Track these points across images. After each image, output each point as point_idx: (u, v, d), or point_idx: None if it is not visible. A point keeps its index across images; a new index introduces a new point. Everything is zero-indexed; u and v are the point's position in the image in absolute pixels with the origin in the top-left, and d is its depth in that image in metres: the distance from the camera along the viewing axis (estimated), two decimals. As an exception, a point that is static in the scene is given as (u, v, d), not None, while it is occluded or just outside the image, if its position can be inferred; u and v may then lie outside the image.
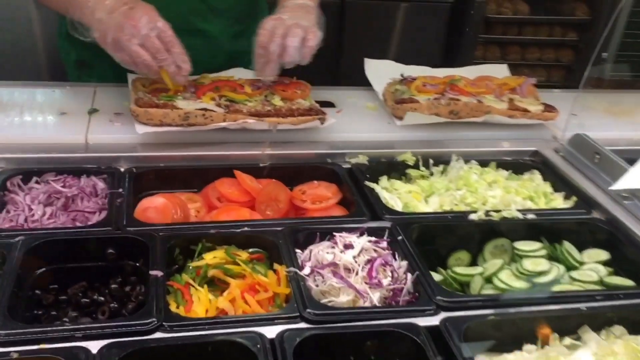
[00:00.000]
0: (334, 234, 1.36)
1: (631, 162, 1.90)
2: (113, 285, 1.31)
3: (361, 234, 1.39)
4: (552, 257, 1.53)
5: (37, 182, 1.53)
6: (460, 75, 2.06)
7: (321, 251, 1.31)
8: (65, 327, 1.08)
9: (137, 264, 1.33)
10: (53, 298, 1.29)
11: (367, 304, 1.24)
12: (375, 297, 1.24)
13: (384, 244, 1.39)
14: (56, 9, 1.81)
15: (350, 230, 1.41)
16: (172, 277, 1.30)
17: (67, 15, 1.72)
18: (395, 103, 1.92)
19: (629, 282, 1.47)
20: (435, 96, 1.93)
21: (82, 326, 1.09)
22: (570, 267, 1.51)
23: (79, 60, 2.04)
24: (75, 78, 2.06)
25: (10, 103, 1.79)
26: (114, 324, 1.10)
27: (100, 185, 1.54)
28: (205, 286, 1.26)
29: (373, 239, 1.38)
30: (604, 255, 1.55)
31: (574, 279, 1.47)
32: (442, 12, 4.06)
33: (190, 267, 1.32)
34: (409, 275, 1.30)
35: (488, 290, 1.42)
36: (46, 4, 1.82)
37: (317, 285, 1.26)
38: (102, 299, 1.30)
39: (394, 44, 4.12)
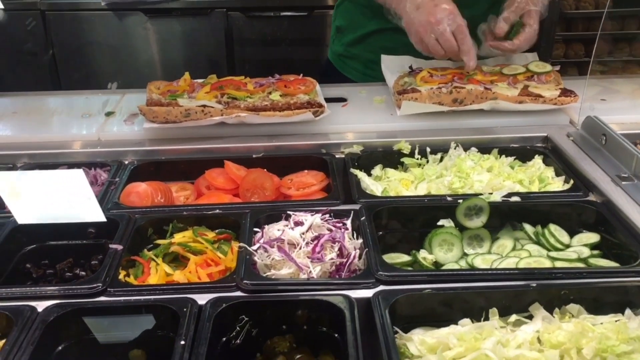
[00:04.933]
0: (289, 213, 1.41)
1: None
2: (93, 262, 1.44)
3: (325, 215, 1.43)
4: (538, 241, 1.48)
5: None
6: (477, 68, 2.02)
7: (272, 228, 1.36)
8: (19, 289, 1.22)
9: (114, 242, 1.45)
10: (42, 272, 1.45)
11: (306, 277, 1.27)
12: (315, 270, 1.27)
13: (346, 224, 1.42)
14: None
15: (317, 212, 1.45)
16: (141, 253, 1.41)
17: (385, 4, 2.01)
18: (397, 94, 1.93)
19: (613, 264, 1.38)
20: (438, 85, 1.92)
21: (34, 288, 1.22)
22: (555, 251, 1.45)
23: (341, 55, 2.39)
24: (348, 69, 2.38)
25: (44, 108, 2.02)
26: (64, 287, 1.22)
27: (104, 176, 1.70)
28: (161, 260, 1.35)
29: (333, 219, 1.41)
30: (594, 238, 1.47)
31: (554, 259, 1.40)
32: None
33: (160, 245, 1.42)
34: (357, 252, 1.32)
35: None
36: None
37: (262, 260, 1.31)
38: (84, 273, 1.44)
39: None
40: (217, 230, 1.47)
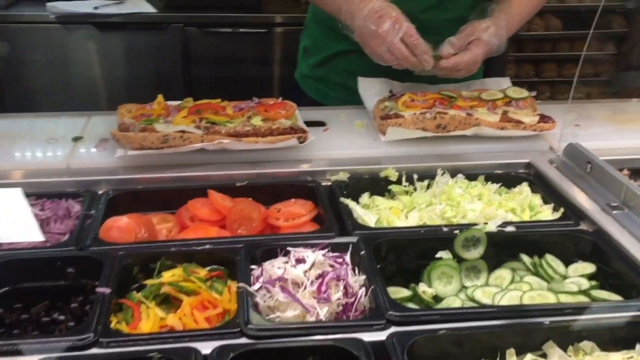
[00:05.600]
0: (289, 249, 1.34)
1: (635, 171, 1.82)
2: (73, 305, 1.33)
3: (324, 249, 1.37)
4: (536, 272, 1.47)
5: (16, 207, 1.57)
6: (456, 92, 2.01)
7: (273, 266, 1.29)
8: (3, 342, 1.10)
9: (97, 283, 1.34)
10: (16, 317, 1.32)
11: (314, 319, 1.20)
12: (323, 312, 1.21)
13: (346, 259, 1.36)
14: (329, 11, 2.05)
15: (314, 246, 1.38)
16: (129, 295, 1.31)
17: (338, 17, 1.97)
18: (380, 119, 1.90)
19: (615, 297, 1.38)
20: (421, 111, 1.90)
21: (19, 341, 1.10)
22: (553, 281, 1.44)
23: (307, 76, 2.37)
24: (312, 90, 2.36)
25: (3, 133, 1.88)
26: (51, 339, 1.11)
27: (76, 207, 1.58)
28: (153, 303, 1.26)
29: (331, 253, 1.36)
30: (590, 268, 1.47)
31: (557, 292, 1.39)
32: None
33: (147, 285, 1.33)
34: (363, 290, 1.27)
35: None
36: (321, 6, 2.10)
37: (264, 301, 1.23)
38: (63, 317, 1.32)
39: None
40: (208, 268, 1.38)
